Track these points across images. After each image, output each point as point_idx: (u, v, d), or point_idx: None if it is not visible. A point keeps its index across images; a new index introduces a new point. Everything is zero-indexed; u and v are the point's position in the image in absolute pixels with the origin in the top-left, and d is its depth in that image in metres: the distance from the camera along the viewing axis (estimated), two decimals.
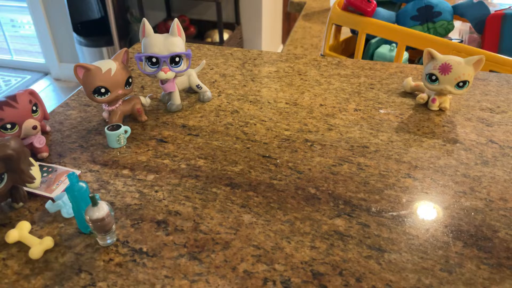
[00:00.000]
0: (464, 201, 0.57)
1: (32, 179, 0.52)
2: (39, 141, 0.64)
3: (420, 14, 1.13)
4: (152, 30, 0.70)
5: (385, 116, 0.77)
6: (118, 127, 0.67)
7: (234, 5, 2.55)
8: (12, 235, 0.50)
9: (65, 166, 0.64)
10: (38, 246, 0.49)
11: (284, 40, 3.22)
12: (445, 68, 0.73)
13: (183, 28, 0.75)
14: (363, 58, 1.20)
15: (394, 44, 1.17)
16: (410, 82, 0.84)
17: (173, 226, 0.53)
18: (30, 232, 0.52)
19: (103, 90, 0.66)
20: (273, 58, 1.00)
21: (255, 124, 0.74)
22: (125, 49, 0.70)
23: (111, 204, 0.56)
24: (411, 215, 0.54)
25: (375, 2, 1.10)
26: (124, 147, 0.68)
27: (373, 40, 1.20)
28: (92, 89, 0.66)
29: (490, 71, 0.94)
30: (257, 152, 0.66)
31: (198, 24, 2.61)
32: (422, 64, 1.05)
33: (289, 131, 0.72)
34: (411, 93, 0.84)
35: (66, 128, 0.74)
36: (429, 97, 0.79)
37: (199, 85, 0.80)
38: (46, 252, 0.49)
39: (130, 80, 0.70)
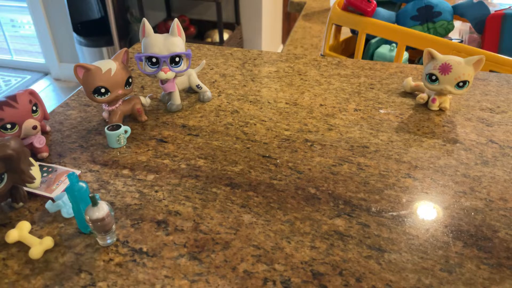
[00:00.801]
0: (464, 201, 0.57)
1: (32, 179, 0.52)
2: (39, 141, 0.64)
3: (420, 14, 1.13)
4: (152, 30, 0.70)
5: (385, 116, 0.77)
6: (118, 127, 0.67)
7: (234, 5, 2.55)
8: (12, 235, 0.50)
9: (65, 166, 0.64)
10: (38, 246, 0.49)
11: (284, 40, 3.22)
12: (445, 68, 0.73)
13: (183, 28, 0.75)
14: (363, 58, 1.20)
15: (394, 44, 1.17)
16: (410, 82, 0.84)
17: (173, 226, 0.53)
18: (30, 232, 0.52)
19: (103, 90, 0.66)
20: (273, 58, 1.00)
21: (255, 124, 0.74)
22: (125, 49, 0.70)
23: (111, 204, 0.56)
24: (411, 215, 0.54)
25: (375, 2, 1.10)
26: (124, 147, 0.68)
27: (373, 40, 1.20)
28: (92, 89, 0.66)
29: (490, 71, 0.94)
30: (257, 152, 0.66)
31: (198, 24, 2.61)
32: (422, 64, 1.05)
33: (289, 131, 0.72)
34: (411, 93, 0.84)
35: (66, 128, 0.74)
36: (429, 97, 0.79)
37: (199, 85, 0.80)
38: (46, 252, 0.49)
39: (130, 80, 0.70)
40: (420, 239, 0.51)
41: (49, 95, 2.83)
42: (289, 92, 0.85)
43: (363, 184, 0.60)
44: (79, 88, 0.85)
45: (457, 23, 1.35)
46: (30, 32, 3.31)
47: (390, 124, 0.74)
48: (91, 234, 0.52)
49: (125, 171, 0.62)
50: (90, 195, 0.46)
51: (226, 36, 2.44)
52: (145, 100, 0.77)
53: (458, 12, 1.15)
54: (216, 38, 2.45)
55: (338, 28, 1.28)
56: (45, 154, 0.66)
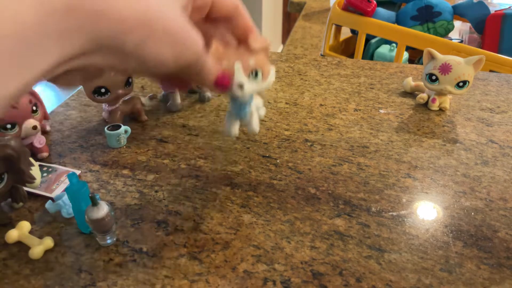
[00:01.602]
0: (464, 201, 0.57)
1: (32, 179, 0.52)
2: (39, 141, 0.64)
3: (420, 14, 1.13)
4: None
5: (385, 116, 0.77)
6: (118, 127, 0.68)
7: None
8: (12, 235, 0.50)
9: (65, 166, 0.64)
10: (38, 246, 0.49)
11: (284, 40, 3.22)
12: (445, 68, 0.73)
13: None
14: (363, 58, 1.20)
15: (394, 44, 1.17)
16: (410, 82, 0.84)
17: (173, 226, 0.53)
18: (30, 232, 0.52)
19: (103, 90, 0.66)
20: (273, 58, 1.00)
21: None
22: None
23: (111, 204, 0.57)
24: (411, 215, 0.54)
25: (375, 2, 1.10)
26: (124, 147, 0.68)
27: (373, 40, 1.20)
28: (92, 89, 0.66)
29: (490, 71, 0.94)
30: (257, 152, 0.66)
31: None
32: (422, 64, 1.05)
33: (289, 131, 0.72)
34: (411, 93, 0.84)
35: (66, 128, 0.74)
36: (429, 97, 0.79)
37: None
38: (46, 252, 0.49)
39: (130, 80, 0.70)
40: (420, 239, 0.51)
41: (49, 95, 2.83)
42: (289, 92, 0.85)
43: (363, 184, 0.60)
44: (79, 88, 0.85)
45: (457, 23, 1.35)
46: None
47: (390, 124, 0.74)
48: (91, 234, 0.52)
49: (125, 171, 0.62)
50: (90, 195, 0.46)
51: None
52: (145, 100, 0.77)
53: (458, 12, 1.15)
54: None
55: (338, 28, 1.28)
56: (45, 154, 0.66)
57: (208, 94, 0.81)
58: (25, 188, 0.56)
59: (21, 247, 0.50)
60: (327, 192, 0.58)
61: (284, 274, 0.46)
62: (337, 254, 0.49)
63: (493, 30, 1.09)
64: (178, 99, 0.78)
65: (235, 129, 0.54)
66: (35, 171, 0.53)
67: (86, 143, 0.69)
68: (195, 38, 0.34)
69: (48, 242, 0.49)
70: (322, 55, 1.25)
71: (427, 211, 0.55)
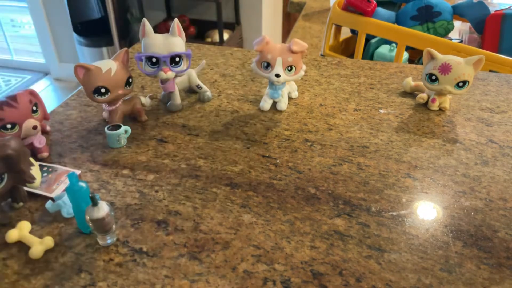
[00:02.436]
0: (464, 201, 0.57)
1: (32, 179, 0.52)
2: (39, 141, 0.64)
3: (420, 14, 1.13)
4: (152, 30, 0.70)
5: (385, 116, 0.77)
6: (118, 127, 0.68)
7: (234, 5, 2.55)
8: (13, 235, 0.50)
9: (65, 166, 0.64)
10: (39, 246, 0.49)
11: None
12: (445, 68, 0.73)
13: (183, 28, 0.75)
14: (363, 58, 1.20)
15: (394, 44, 1.17)
16: (410, 82, 0.84)
17: (173, 226, 0.53)
18: (30, 232, 0.52)
19: (103, 90, 0.66)
20: None
21: (255, 124, 0.74)
22: (125, 49, 0.70)
23: (111, 204, 0.57)
24: (411, 215, 0.54)
25: (375, 2, 1.10)
26: (124, 147, 0.68)
27: (373, 40, 1.20)
28: (92, 89, 0.66)
29: (490, 71, 0.94)
30: (257, 152, 0.66)
31: (198, 24, 2.61)
32: (422, 64, 1.05)
33: (289, 131, 0.72)
34: (411, 93, 0.84)
35: (66, 128, 0.74)
36: (429, 97, 0.79)
37: (199, 85, 0.80)
38: (46, 252, 0.49)
39: (130, 80, 0.70)
40: (420, 239, 0.51)
41: (49, 95, 2.83)
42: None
43: (363, 184, 0.60)
44: (79, 88, 0.85)
45: (457, 23, 1.35)
46: (30, 32, 3.31)
47: (390, 124, 0.74)
48: (91, 234, 0.52)
49: (125, 171, 0.62)
50: (90, 195, 0.46)
51: (226, 36, 2.44)
52: (145, 100, 0.77)
53: (458, 12, 1.15)
54: (216, 38, 2.45)
55: (338, 28, 1.28)
56: (45, 154, 0.66)
57: (208, 94, 0.81)
58: (25, 188, 0.56)
59: (21, 247, 0.50)
60: (327, 192, 0.58)
61: (284, 274, 0.46)
62: (337, 254, 0.49)
63: (493, 30, 1.09)
64: (178, 99, 0.78)
65: (268, 106, 0.78)
66: (35, 171, 0.53)
67: (86, 143, 0.69)
68: None
69: (48, 242, 0.49)
70: (322, 55, 1.25)
71: (427, 211, 0.55)
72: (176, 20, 0.70)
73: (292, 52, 0.69)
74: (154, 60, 0.69)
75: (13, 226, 0.52)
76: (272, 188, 0.59)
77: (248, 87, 0.86)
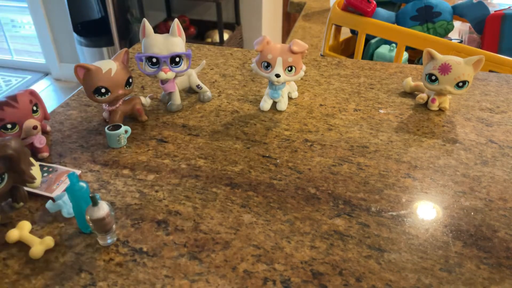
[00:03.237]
0: (463, 201, 0.57)
1: (32, 179, 0.52)
2: (40, 141, 0.65)
3: (419, 14, 1.13)
4: (152, 30, 0.70)
5: (385, 116, 0.77)
6: (119, 127, 0.68)
7: (234, 5, 2.55)
8: (13, 235, 0.50)
9: (65, 166, 0.64)
10: (39, 246, 0.49)
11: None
12: (445, 68, 0.73)
13: (183, 28, 0.75)
14: (363, 58, 1.20)
15: (394, 44, 1.17)
16: (410, 82, 0.84)
17: (173, 226, 0.53)
18: (31, 232, 0.52)
19: (103, 90, 0.66)
20: None
21: (255, 124, 0.74)
22: (125, 49, 0.70)
23: (111, 204, 0.57)
24: (411, 215, 0.54)
25: (375, 2, 1.10)
26: (124, 147, 0.68)
27: (373, 40, 1.20)
28: (92, 89, 0.66)
29: (490, 71, 0.94)
30: (257, 152, 0.66)
31: (198, 24, 2.61)
32: (422, 64, 1.05)
33: (289, 131, 0.72)
34: (410, 93, 0.84)
35: (66, 128, 0.74)
36: (428, 97, 0.79)
37: (199, 85, 0.80)
38: (47, 252, 0.49)
39: (130, 80, 0.70)
40: (420, 239, 0.51)
41: (49, 95, 2.83)
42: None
43: (363, 184, 0.60)
44: (79, 88, 0.85)
45: (457, 23, 1.35)
46: (30, 32, 3.31)
47: (390, 124, 0.74)
48: (91, 234, 0.52)
49: (125, 171, 0.63)
50: (90, 195, 0.46)
51: (226, 36, 2.44)
52: (145, 100, 0.77)
53: (457, 12, 1.15)
54: (216, 38, 2.46)
55: (338, 28, 1.28)
56: (45, 154, 0.66)
57: (208, 94, 0.81)
58: (26, 188, 0.56)
59: (22, 247, 0.50)
60: (327, 192, 0.58)
61: (284, 274, 0.46)
62: (337, 254, 0.49)
63: (493, 30, 1.09)
64: (178, 99, 0.78)
65: (268, 106, 0.78)
66: (35, 171, 0.53)
67: (87, 143, 0.69)
68: None
69: (49, 242, 0.49)
70: (322, 55, 1.25)
71: (426, 211, 0.55)
72: (176, 20, 0.70)
73: (292, 52, 0.69)
74: (154, 60, 0.70)
75: (13, 226, 0.52)
76: (272, 188, 0.59)
77: (248, 87, 0.86)
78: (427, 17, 1.13)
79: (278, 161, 0.64)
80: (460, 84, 0.73)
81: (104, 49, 2.59)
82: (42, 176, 0.60)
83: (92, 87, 0.66)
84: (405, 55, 1.15)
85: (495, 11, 1.11)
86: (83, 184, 0.50)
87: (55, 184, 0.59)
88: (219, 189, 0.59)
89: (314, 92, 0.84)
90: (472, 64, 0.72)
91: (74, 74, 0.66)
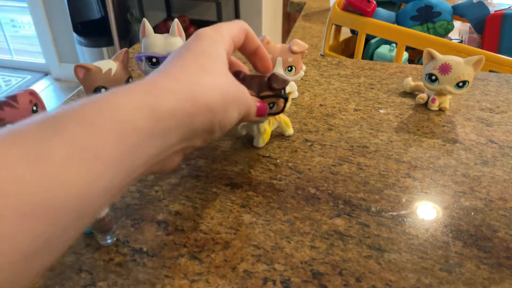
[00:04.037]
0: (463, 201, 0.57)
1: None
2: None
3: (419, 14, 1.13)
4: (152, 30, 0.70)
5: (385, 116, 0.77)
6: None
7: (234, 5, 2.55)
8: None
9: None
10: None
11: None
12: (445, 68, 0.73)
13: (183, 28, 0.75)
14: (363, 58, 1.20)
15: (394, 44, 1.17)
16: (410, 82, 0.84)
17: (173, 226, 0.53)
18: None
19: (103, 90, 0.66)
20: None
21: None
22: (125, 49, 0.70)
23: (111, 204, 0.57)
24: (411, 215, 0.54)
25: (375, 2, 1.10)
26: None
27: (373, 40, 1.20)
28: (92, 89, 0.66)
29: (490, 71, 0.94)
30: (257, 152, 0.66)
31: (198, 24, 2.61)
32: (422, 64, 1.05)
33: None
34: (411, 93, 0.84)
35: None
36: (429, 97, 0.79)
37: None
38: None
39: (130, 80, 0.70)
40: (420, 239, 0.51)
41: (49, 95, 2.83)
42: None
43: (363, 184, 0.60)
44: (79, 88, 0.85)
45: (457, 23, 1.35)
46: (30, 32, 3.31)
47: (390, 124, 0.74)
48: (91, 234, 0.52)
49: None
50: None
51: None
52: None
53: (458, 12, 1.15)
54: None
55: (338, 28, 1.28)
56: None
57: None
58: None
59: None
60: (327, 192, 0.58)
61: (284, 274, 0.46)
62: (337, 254, 0.49)
63: (493, 30, 1.09)
64: None
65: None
66: None
67: None
68: (245, 91, 0.44)
69: None
70: (322, 55, 1.25)
71: (426, 211, 0.55)
72: (176, 20, 0.70)
73: (293, 52, 0.69)
74: (154, 60, 0.70)
75: None
76: (272, 188, 0.59)
77: None
78: (427, 17, 1.13)
79: (278, 161, 0.64)
80: (460, 84, 0.73)
81: (104, 49, 2.59)
82: None
83: (92, 87, 0.66)
84: (405, 55, 1.15)
85: (495, 11, 1.11)
86: None
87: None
88: (219, 189, 0.59)
89: (314, 92, 0.84)
90: (472, 64, 0.72)
91: (74, 74, 0.66)
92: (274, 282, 0.46)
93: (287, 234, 0.52)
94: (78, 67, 0.66)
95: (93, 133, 0.28)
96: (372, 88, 0.86)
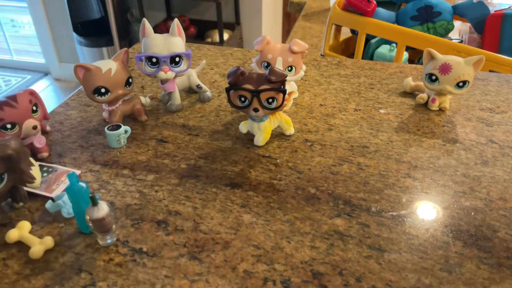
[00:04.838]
0: (464, 201, 0.57)
1: (32, 179, 0.52)
2: (39, 141, 0.64)
3: (420, 14, 1.13)
4: (152, 30, 0.70)
5: (385, 116, 0.77)
6: (118, 127, 0.68)
7: (234, 5, 2.55)
8: (13, 235, 0.50)
9: (65, 166, 0.64)
10: (39, 246, 0.49)
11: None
12: (445, 68, 0.73)
13: (183, 28, 0.75)
14: (363, 58, 1.20)
15: (394, 44, 1.17)
16: (410, 82, 0.84)
17: (173, 226, 0.53)
18: (30, 232, 0.52)
19: (103, 90, 0.66)
20: None
21: None
22: (125, 49, 0.70)
23: (111, 204, 0.57)
24: (411, 215, 0.54)
25: (375, 2, 1.10)
26: (124, 147, 0.68)
27: (373, 40, 1.20)
28: (92, 89, 0.66)
29: (490, 71, 0.94)
30: (257, 152, 0.66)
31: (198, 24, 2.61)
32: (422, 64, 1.05)
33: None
34: (411, 93, 0.84)
35: (66, 128, 0.74)
36: (429, 97, 0.79)
37: (199, 85, 0.80)
38: (46, 252, 0.49)
39: (130, 80, 0.70)
40: (420, 239, 0.51)
41: (49, 95, 2.83)
42: None
43: (363, 184, 0.60)
44: (79, 88, 0.85)
45: (457, 23, 1.35)
46: (30, 32, 3.31)
47: (390, 124, 0.74)
48: (91, 234, 0.52)
49: (125, 171, 0.62)
50: (90, 195, 0.46)
51: (226, 36, 2.44)
52: (145, 100, 0.77)
53: (458, 12, 1.15)
54: (216, 38, 2.45)
55: (338, 28, 1.28)
56: (45, 154, 0.66)
57: (208, 94, 0.81)
58: (25, 188, 0.56)
59: (21, 247, 0.50)
60: (327, 192, 0.58)
61: (284, 274, 0.46)
62: (337, 254, 0.49)
63: (493, 30, 1.09)
64: (178, 99, 0.78)
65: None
66: (35, 171, 0.53)
67: (86, 143, 0.69)
68: None
69: (48, 242, 0.49)
70: (322, 55, 1.25)
71: (427, 211, 0.55)
72: (176, 20, 0.70)
73: (293, 52, 0.69)
74: (154, 60, 0.69)
75: (13, 226, 0.52)
76: (272, 188, 0.59)
77: None
78: (427, 17, 1.13)
79: (278, 161, 0.64)
80: (460, 84, 0.73)
81: (104, 49, 2.58)
82: (42, 176, 0.60)
83: (92, 87, 0.66)
84: (405, 55, 1.15)
85: (495, 11, 1.11)
86: (82, 184, 0.50)
87: (55, 184, 0.59)
88: (219, 189, 0.59)
89: (314, 92, 0.84)
90: (472, 64, 0.72)
91: (74, 74, 0.66)
92: (274, 282, 0.46)
93: (287, 234, 0.52)
94: (78, 67, 0.66)
95: None
96: (372, 88, 0.86)
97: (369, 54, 1.20)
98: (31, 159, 0.53)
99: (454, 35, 1.43)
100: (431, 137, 0.71)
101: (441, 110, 0.79)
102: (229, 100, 0.62)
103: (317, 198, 0.57)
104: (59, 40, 2.91)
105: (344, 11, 1.14)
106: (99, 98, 0.67)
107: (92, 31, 2.59)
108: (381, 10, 1.15)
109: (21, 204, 0.56)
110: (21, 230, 0.51)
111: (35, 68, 3.15)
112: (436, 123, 0.75)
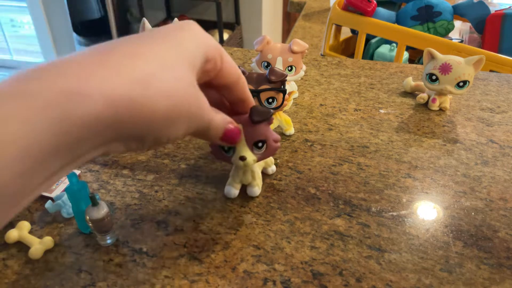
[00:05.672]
0: (464, 201, 0.57)
1: None
2: None
3: (420, 14, 1.13)
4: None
5: (385, 116, 0.77)
6: None
7: (234, 5, 2.55)
8: (12, 235, 0.50)
9: None
10: (38, 246, 0.49)
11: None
12: (445, 68, 0.72)
13: None
14: (363, 58, 1.20)
15: (394, 44, 1.17)
16: (410, 82, 0.84)
17: (173, 226, 0.53)
18: (30, 232, 0.52)
19: None
20: None
21: None
22: None
23: (111, 204, 0.56)
24: (411, 215, 0.54)
25: (375, 2, 1.10)
26: None
27: (373, 40, 1.20)
28: None
29: (490, 71, 0.94)
30: None
31: (198, 24, 2.61)
32: (422, 64, 1.05)
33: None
34: (411, 93, 0.84)
35: None
36: (429, 97, 0.79)
37: None
38: (46, 252, 0.49)
39: None
40: (420, 239, 0.51)
41: None
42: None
43: (363, 184, 0.59)
44: None
45: (457, 23, 1.35)
46: (30, 32, 3.31)
47: (390, 124, 0.74)
48: (91, 234, 0.52)
49: (125, 171, 0.62)
50: (90, 195, 0.46)
51: (226, 36, 2.44)
52: None
53: (458, 12, 1.15)
54: (216, 38, 2.45)
55: (338, 28, 1.28)
56: None
57: None
58: None
59: (21, 247, 0.50)
60: (327, 192, 0.58)
61: (284, 274, 0.46)
62: (337, 254, 0.49)
63: (493, 30, 1.09)
64: None
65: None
66: None
67: None
68: (202, 104, 0.34)
69: (48, 242, 0.49)
70: (322, 55, 1.25)
71: (427, 211, 0.55)
72: (176, 20, 0.70)
73: (293, 52, 0.69)
74: None
75: (12, 226, 0.52)
76: (272, 188, 0.59)
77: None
78: (427, 17, 1.13)
79: (278, 161, 0.64)
80: (461, 84, 0.73)
81: None
82: None
83: None
84: (406, 54, 1.15)
85: (495, 11, 1.11)
86: (82, 184, 0.50)
87: (55, 184, 0.59)
88: (219, 189, 0.59)
89: (314, 92, 0.84)
90: (473, 64, 0.72)
91: None
92: (274, 282, 0.45)
93: (287, 234, 0.51)
94: None
95: None
96: (373, 88, 0.86)
97: (369, 54, 1.20)
98: None
99: (454, 35, 1.43)
100: (431, 137, 0.70)
101: (441, 110, 0.79)
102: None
103: (317, 198, 0.57)
104: (59, 40, 2.91)
105: (344, 11, 1.14)
106: None
107: (92, 31, 2.59)
108: (381, 10, 1.15)
109: None
110: (21, 230, 0.51)
111: None
112: (437, 123, 0.75)
